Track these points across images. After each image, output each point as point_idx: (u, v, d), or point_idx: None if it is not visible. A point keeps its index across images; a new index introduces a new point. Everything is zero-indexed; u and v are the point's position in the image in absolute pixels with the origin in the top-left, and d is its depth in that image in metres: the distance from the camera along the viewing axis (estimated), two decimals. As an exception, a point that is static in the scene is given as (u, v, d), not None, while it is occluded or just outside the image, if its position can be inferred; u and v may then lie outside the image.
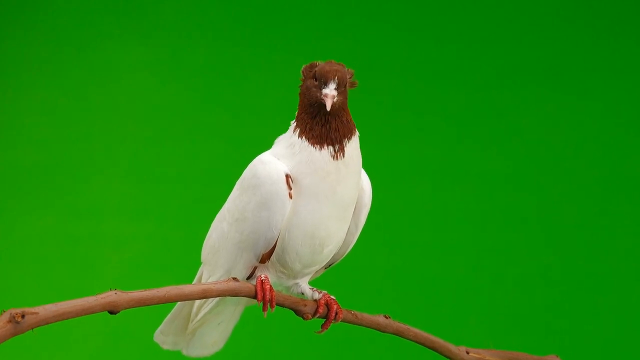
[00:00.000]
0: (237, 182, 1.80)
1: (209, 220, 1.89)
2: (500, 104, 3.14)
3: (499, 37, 3.17)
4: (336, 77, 1.71)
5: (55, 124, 3.11)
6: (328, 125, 1.72)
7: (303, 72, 1.77)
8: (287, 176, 1.71)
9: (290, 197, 1.71)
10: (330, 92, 1.70)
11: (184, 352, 1.98)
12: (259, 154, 1.78)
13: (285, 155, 1.73)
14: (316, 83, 1.72)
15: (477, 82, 3.15)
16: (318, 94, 1.72)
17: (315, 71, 1.73)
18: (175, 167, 3.09)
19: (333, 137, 1.72)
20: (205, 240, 1.86)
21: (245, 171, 1.78)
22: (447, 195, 3.08)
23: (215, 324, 1.94)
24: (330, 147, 1.71)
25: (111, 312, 1.61)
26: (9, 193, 3.06)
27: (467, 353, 1.89)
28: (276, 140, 1.78)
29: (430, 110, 3.14)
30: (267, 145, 1.79)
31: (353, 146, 1.74)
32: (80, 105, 3.12)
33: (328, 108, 1.69)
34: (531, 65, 3.16)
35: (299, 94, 1.77)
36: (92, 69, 3.14)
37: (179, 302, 1.92)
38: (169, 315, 1.94)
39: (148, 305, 1.63)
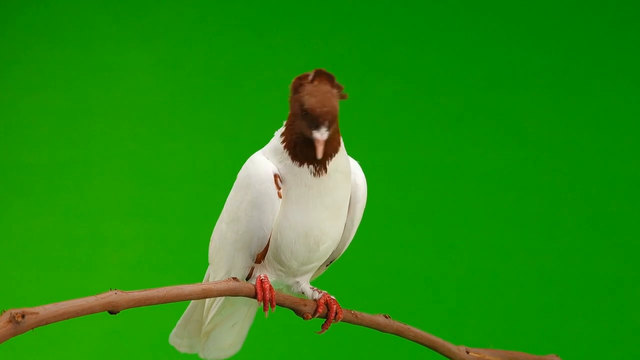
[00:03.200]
0: (234, 183, 1.79)
1: (209, 220, 1.89)
2: (500, 104, 3.14)
3: (500, 38, 3.17)
4: (327, 121, 1.63)
5: (55, 124, 3.11)
6: (313, 151, 1.66)
7: (292, 87, 1.68)
8: (276, 176, 1.71)
9: (280, 196, 1.70)
10: (321, 137, 1.63)
11: (201, 355, 1.96)
12: (258, 154, 1.78)
13: (274, 157, 1.72)
14: (305, 119, 1.64)
15: (477, 83, 3.15)
16: (308, 133, 1.64)
17: (306, 109, 1.64)
18: (175, 167, 3.09)
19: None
20: (210, 241, 1.86)
21: (239, 172, 1.77)
22: (447, 195, 3.08)
23: (229, 326, 1.93)
24: (311, 166, 1.68)
25: (111, 312, 1.61)
26: (9, 193, 3.06)
27: (467, 352, 1.89)
28: (275, 133, 1.75)
29: (429, 111, 3.14)
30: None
31: (336, 160, 1.70)
32: (80, 105, 3.12)
33: (319, 155, 1.63)
34: (531, 66, 3.16)
35: (289, 101, 1.70)
36: (92, 70, 3.14)
37: (189, 306, 1.92)
38: (181, 319, 1.94)
39: (148, 305, 1.63)
